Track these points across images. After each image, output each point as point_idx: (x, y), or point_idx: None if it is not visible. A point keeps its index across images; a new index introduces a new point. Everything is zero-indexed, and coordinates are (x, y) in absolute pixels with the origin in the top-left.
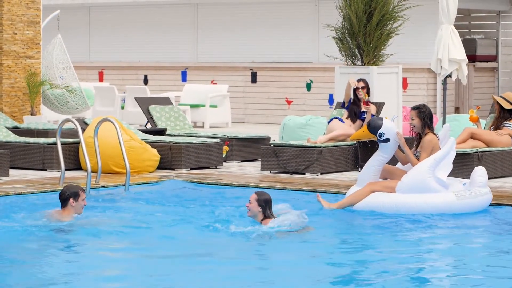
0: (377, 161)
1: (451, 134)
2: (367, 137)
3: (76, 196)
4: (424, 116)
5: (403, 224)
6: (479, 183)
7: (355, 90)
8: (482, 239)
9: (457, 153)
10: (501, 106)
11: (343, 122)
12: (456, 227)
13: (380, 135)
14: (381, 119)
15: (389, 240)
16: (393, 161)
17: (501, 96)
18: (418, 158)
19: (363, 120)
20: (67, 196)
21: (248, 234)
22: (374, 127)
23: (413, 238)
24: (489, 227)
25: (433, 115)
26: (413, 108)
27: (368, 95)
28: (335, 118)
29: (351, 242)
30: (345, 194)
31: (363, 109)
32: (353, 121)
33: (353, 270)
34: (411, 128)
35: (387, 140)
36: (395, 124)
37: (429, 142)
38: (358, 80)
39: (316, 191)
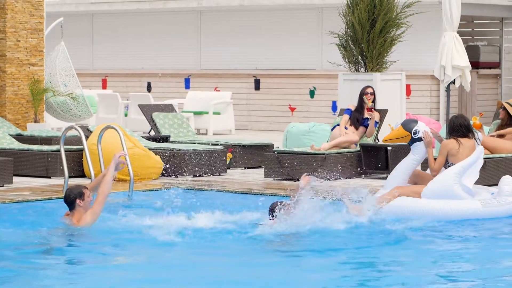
0: (406, 164)
1: None
2: (400, 136)
3: (81, 195)
4: (449, 131)
5: (425, 231)
6: (506, 192)
7: (362, 95)
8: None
9: None
10: (508, 113)
11: (346, 128)
12: (478, 235)
13: (415, 133)
14: (415, 119)
15: (410, 248)
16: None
17: (506, 102)
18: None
19: (366, 126)
20: (73, 199)
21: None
22: (408, 124)
23: (435, 246)
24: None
25: (437, 122)
26: None
27: (373, 102)
28: (338, 125)
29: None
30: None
31: (366, 116)
32: (356, 128)
33: (372, 279)
34: None
35: (420, 139)
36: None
37: (443, 146)
38: (367, 87)
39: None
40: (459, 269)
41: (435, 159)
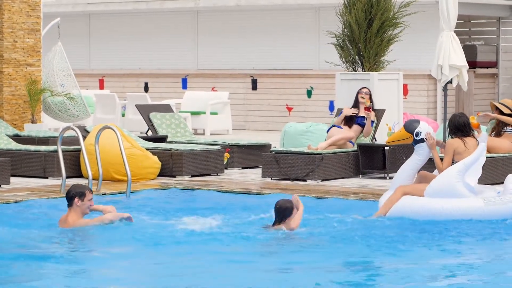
0: (411, 164)
1: None
2: (403, 137)
3: (81, 195)
4: (449, 130)
5: (428, 231)
6: (511, 190)
7: (357, 94)
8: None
9: None
10: (501, 112)
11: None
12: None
13: (417, 134)
14: (417, 120)
15: (411, 248)
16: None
17: (500, 103)
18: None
19: (361, 125)
20: (72, 195)
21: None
22: (410, 125)
23: (436, 246)
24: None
25: (435, 121)
26: None
27: (372, 102)
28: (333, 126)
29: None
30: (345, 199)
31: (363, 114)
32: (350, 126)
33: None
34: None
35: (423, 140)
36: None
37: (449, 145)
38: (363, 87)
39: (317, 198)
40: (461, 272)
41: (441, 159)
